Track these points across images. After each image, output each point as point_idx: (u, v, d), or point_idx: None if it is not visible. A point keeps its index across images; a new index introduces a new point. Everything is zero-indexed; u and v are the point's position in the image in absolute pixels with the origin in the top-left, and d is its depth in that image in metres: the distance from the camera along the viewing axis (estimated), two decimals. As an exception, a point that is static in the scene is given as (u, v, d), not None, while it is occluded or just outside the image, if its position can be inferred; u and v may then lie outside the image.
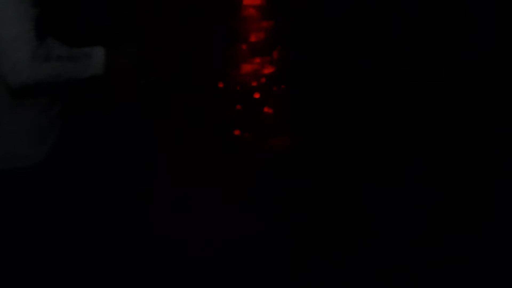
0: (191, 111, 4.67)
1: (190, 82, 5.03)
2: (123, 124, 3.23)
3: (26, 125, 2.84)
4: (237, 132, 4.61)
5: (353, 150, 4.24)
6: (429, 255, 3.44)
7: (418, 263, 3.40)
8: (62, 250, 2.98)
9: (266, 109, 4.91)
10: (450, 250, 3.49)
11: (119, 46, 2.91)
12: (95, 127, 3.09)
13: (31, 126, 2.85)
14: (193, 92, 4.92)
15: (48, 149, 2.88)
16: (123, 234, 3.20)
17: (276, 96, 5.12)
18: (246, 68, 5.53)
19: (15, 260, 2.91)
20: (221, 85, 5.26)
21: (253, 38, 6.08)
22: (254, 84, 5.28)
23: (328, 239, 3.56)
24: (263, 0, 6.91)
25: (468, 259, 3.41)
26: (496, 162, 4.08)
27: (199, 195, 3.81)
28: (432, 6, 4.34)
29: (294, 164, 4.17)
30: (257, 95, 5.13)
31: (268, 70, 5.50)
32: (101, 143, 3.08)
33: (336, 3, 4.92)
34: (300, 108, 4.84)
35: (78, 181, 3.01)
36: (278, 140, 4.48)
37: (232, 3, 6.76)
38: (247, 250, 3.46)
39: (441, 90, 4.31)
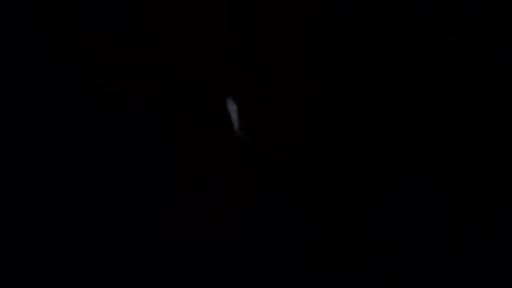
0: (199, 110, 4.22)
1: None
2: (128, 125, 2.99)
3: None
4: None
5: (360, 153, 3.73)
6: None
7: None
8: (68, 249, 2.59)
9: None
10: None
11: None
12: (99, 129, 2.80)
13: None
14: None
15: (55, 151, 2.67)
16: (133, 235, 2.84)
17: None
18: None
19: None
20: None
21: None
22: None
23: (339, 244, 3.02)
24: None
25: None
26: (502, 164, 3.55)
27: (208, 194, 3.33)
28: (441, 11, 4.03)
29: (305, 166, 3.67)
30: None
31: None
32: (106, 144, 2.77)
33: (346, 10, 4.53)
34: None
35: (83, 181, 2.70)
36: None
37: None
38: (261, 250, 2.95)
39: (448, 93, 3.92)
